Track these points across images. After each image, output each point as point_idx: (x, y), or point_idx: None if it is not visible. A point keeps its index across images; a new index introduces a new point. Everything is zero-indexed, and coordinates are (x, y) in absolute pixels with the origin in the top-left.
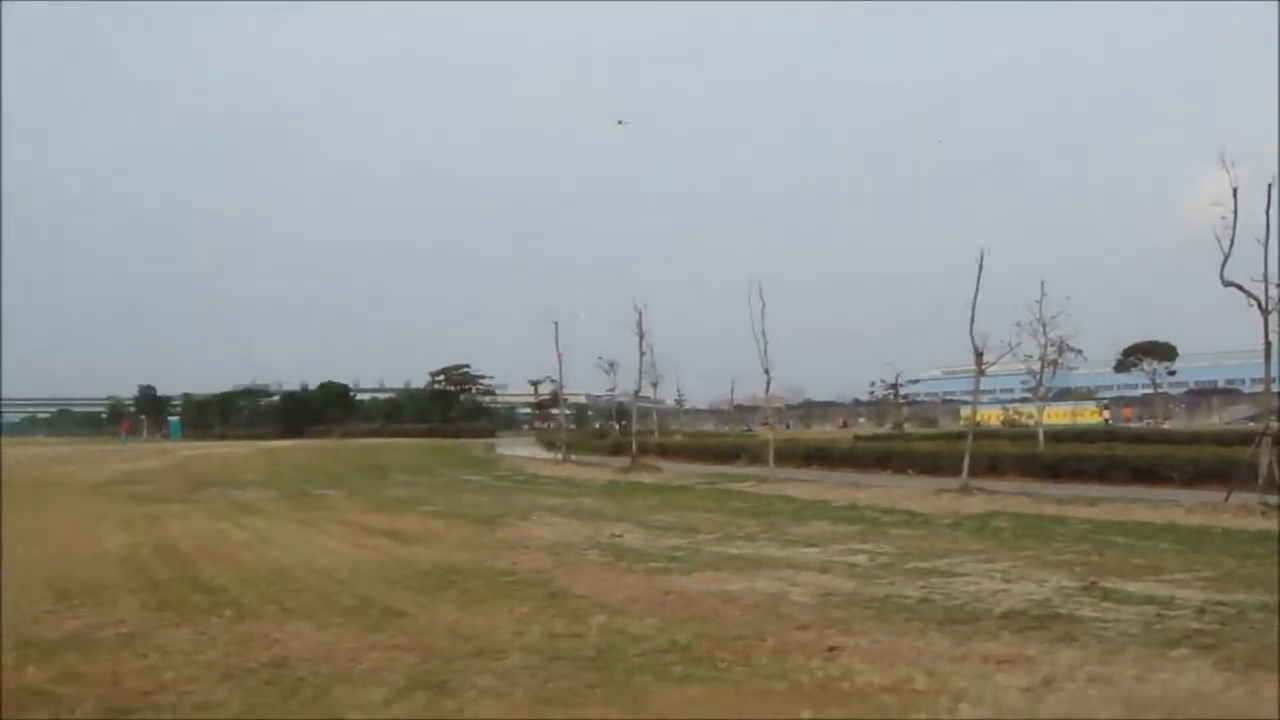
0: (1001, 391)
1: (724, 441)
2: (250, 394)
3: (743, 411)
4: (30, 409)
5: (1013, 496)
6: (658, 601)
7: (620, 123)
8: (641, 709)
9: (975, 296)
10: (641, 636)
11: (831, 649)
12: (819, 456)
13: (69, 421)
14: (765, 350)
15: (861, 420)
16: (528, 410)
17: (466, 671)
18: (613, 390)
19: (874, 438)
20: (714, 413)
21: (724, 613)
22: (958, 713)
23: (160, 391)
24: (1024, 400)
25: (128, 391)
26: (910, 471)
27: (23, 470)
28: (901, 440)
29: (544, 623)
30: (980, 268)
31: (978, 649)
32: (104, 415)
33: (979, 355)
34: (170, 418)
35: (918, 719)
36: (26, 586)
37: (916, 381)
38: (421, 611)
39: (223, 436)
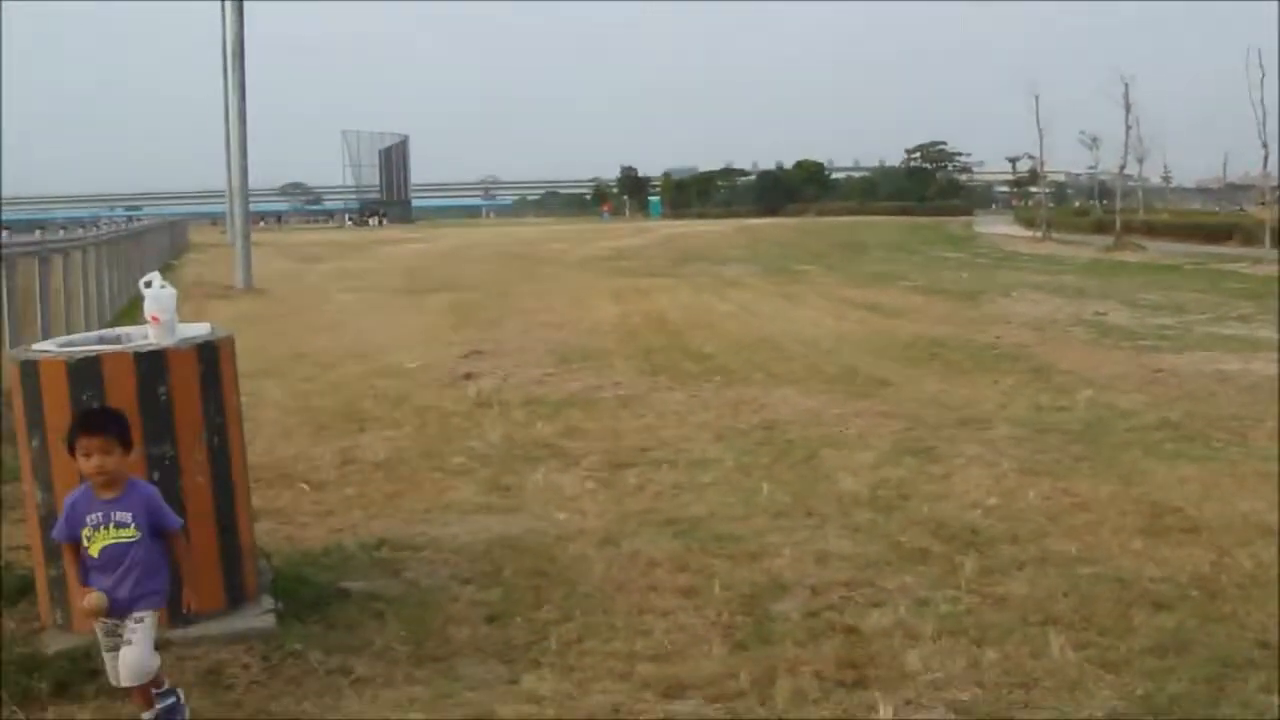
0: None
1: (1214, 220)
2: (728, 173)
3: (1234, 190)
4: (520, 191)
5: None
6: (1147, 379)
7: None
8: (1132, 484)
9: None
10: (1130, 413)
11: None
12: None
13: (556, 202)
14: (1264, 122)
15: None
16: (1005, 189)
17: (953, 440)
18: (1094, 167)
19: None
20: (1202, 191)
21: (1218, 393)
22: None
23: (640, 173)
24: None
25: (610, 173)
26: None
27: (518, 247)
28: None
29: (1029, 396)
30: None
31: None
32: (588, 196)
33: None
34: (650, 197)
35: None
36: (530, 352)
37: None
38: (905, 381)
39: (700, 216)
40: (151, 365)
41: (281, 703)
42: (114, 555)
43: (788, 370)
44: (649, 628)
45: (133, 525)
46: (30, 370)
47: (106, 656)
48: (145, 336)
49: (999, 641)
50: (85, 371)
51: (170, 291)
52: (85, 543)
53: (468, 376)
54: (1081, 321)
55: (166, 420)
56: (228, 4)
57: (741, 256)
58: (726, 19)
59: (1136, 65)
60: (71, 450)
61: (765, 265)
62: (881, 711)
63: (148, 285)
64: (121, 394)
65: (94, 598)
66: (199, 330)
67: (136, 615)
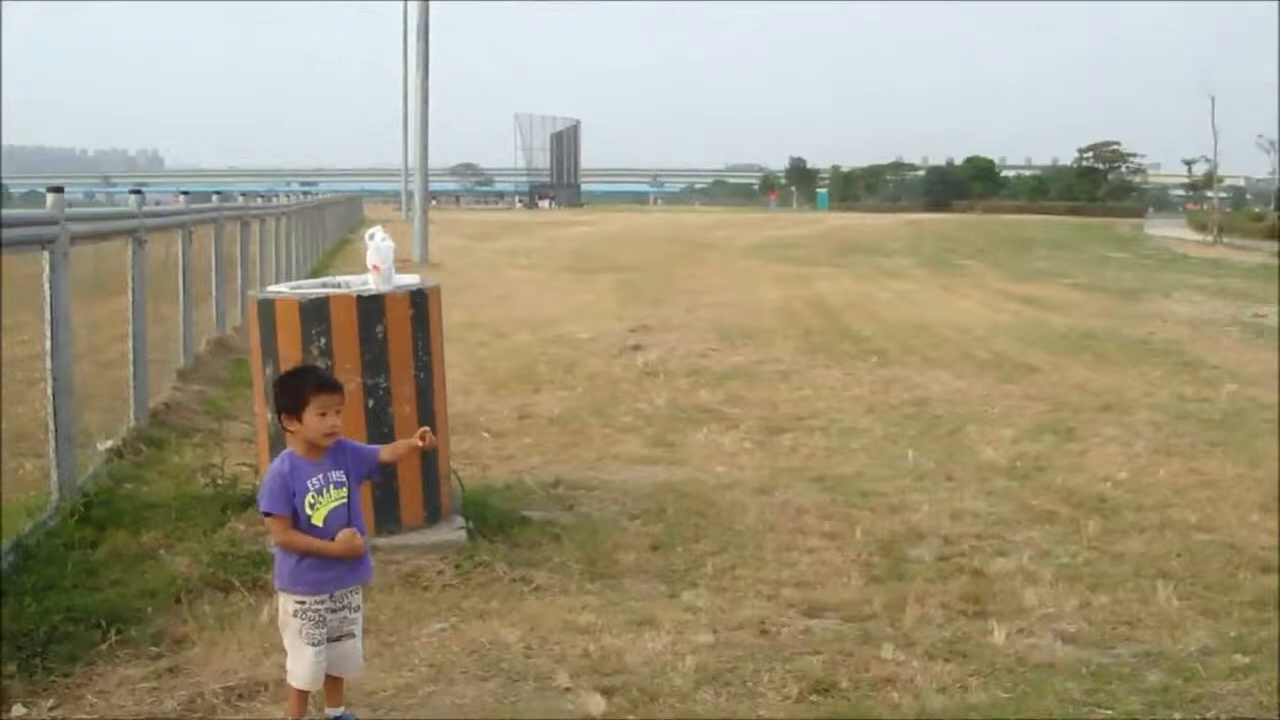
0: None
1: None
2: (897, 168)
3: None
4: (689, 178)
5: None
6: None
7: None
8: (1259, 466)
9: None
10: (1271, 405)
11: None
12: None
13: (723, 191)
14: None
15: None
16: (1180, 192)
17: (1093, 422)
18: (1274, 172)
19: None
20: None
21: None
22: None
23: (809, 164)
24: None
25: (778, 163)
26: None
27: (685, 233)
28: None
29: (1173, 387)
30: None
31: None
32: (755, 186)
33: None
34: (818, 189)
35: None
36: (694, 328)
37: None
38: (1053, 369)
39: (868, 209)
40: (371, 307)
41: (471, 602)
42: (338, 520)
43: (940, 354)
44: (794, 561)
45: (347, 484)
46: (267, 309)
47: (310, 653)
48: (364, 283)
49: (1111, 589)
50: (316, 311)
51: (390, 245)
52: (308, 510)
53: (635, 348)
54: (1238, 322)
55: (382, 356)
56: None
57: (905, 249)
58: (900, 16)
59: None
60: (296, 409)
61: (927, 258)
62: (996, 636)
63: (371, 238)
64: (345, 331)
65: (351, 531)
66: (411, 280)
67: (355, 603)
